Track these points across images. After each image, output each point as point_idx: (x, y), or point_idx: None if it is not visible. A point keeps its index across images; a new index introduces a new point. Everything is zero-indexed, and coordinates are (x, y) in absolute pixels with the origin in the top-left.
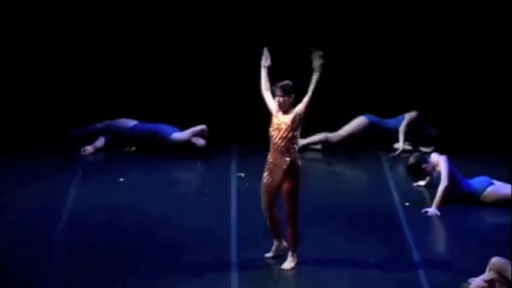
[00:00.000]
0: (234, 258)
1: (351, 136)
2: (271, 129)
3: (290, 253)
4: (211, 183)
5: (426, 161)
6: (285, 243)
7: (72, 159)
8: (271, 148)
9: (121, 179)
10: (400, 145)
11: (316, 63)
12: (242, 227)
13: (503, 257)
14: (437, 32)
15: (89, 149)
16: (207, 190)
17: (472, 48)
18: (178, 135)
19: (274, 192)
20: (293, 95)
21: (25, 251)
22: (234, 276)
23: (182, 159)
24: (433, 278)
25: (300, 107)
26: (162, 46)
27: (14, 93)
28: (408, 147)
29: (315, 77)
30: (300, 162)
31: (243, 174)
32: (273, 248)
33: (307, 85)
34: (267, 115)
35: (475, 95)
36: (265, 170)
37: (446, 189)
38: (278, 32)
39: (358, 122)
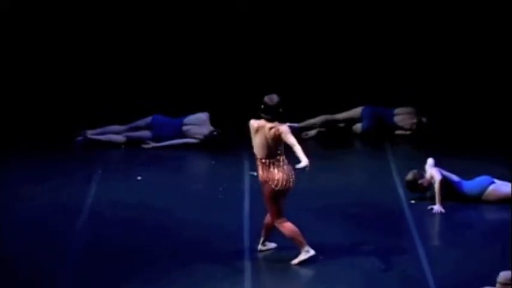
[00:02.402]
0: (247, 252)
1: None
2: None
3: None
4: (225, 181)
5: (422, 177)
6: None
7: (92, 157)
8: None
9: (139, 178)
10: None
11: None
12: (254, 223)
13: (498, 250)
14: (437, 30)
15: (80, 139)
16: (221, 188)
17: (475, 46)
18: (194, 116)
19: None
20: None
21: (43, 246)
22: (247, 269)
23: (196, 157)
24: (438, 273)
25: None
26: (173, 43)
27: (33, 89)
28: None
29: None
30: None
31: (255, 173)
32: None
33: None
34: None
35: (477, 93)
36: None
37: (441, 182)
38: (279, 26)
39: (355, 110)
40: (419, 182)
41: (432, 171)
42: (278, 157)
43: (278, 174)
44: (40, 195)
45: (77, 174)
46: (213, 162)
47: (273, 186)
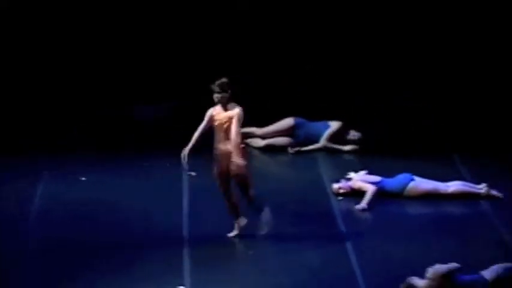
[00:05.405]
0: (186, 246)
1: (275, 134)
2: (215, 126)
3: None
4: (165, 181)
5: (342, 183)
6: (243, 220)
7: (36, 160)
8: (218, 141)
9: (83, 178)
10: (318, 145)
11: None
12: (193, 218)
13: (424, 243)
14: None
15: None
16: (162, 188)
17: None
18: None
19: (226, 178)
20: (229, 91)
21: None
22: (186, 263)
23: (135, 158)
24: (364, 264)
25: (239, 117)
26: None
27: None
28: (332, 146)
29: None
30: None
31: (193, 173)
32: (235, 227)
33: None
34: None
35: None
36: (214, 162)
37: (374, 193)
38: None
39: (284, 122)
40: (342, 190)
41: (360, 184)
42: None
43: None
44: None
45: (22, 178)
46: (168, 164)
47: None
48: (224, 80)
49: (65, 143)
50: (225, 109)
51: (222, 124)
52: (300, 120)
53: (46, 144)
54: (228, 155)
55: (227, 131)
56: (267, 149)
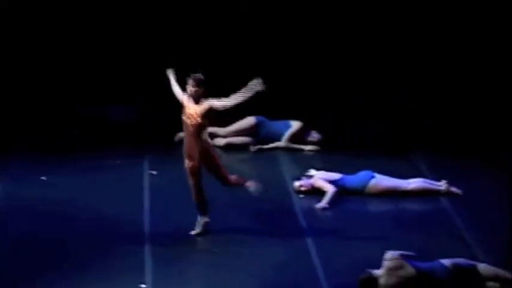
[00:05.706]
0: (147, 243)
1: (237, 133)
2: (184, 117)
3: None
4: (126, 179)
5: (304, 180)
6: (206, 219)
7: None
8: (185, 134)
9: (43, 178)
10: (279, 143)
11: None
12: (154, 216)
13: (385, 240)
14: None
15: None
16: (123, 186)
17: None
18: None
19: (197, 173)
20: (203, 88)
21: None
22: (148, 261)
23: (99, 157)
24: (325, 260)
25: (215, 104)
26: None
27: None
28: (292, 146)
29: (243, 94)
30: (210, 141)
31: (154, 172)
32: (198, 225)
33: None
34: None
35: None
36: (184, 155)
37: (334, 193)
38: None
39: (245, 121)
40: (303, 188)
41: (320, 183)
42: None
43: None
44: None
45: None
46: (117, 162)
47: None
48: (201, 76)
49: (25, 142)
50: (196, 103)
51: (187, 119)
52: (261, 118)
53: (4, 143)
54: (193, 151)
55: (191, 129)
56: (228, 148)
